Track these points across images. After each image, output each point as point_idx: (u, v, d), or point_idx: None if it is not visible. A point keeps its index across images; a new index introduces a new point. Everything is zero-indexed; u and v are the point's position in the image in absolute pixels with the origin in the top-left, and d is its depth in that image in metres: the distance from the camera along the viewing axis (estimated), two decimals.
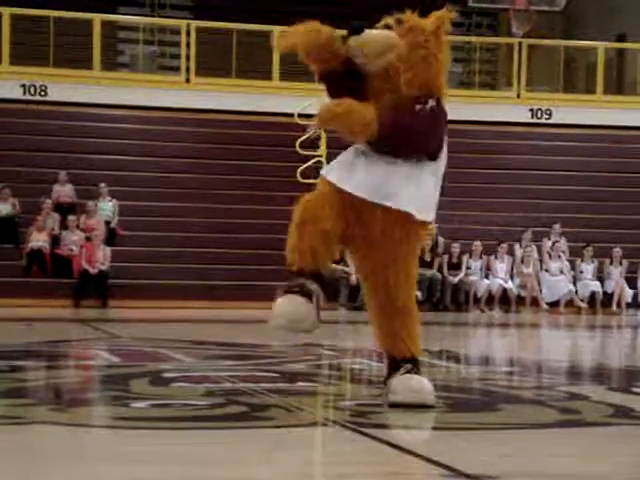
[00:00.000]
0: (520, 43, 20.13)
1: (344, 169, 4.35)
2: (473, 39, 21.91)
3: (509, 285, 16.78)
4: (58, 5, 18.57)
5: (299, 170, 16.88)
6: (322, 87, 4.49)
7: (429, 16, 4.38)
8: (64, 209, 16.52)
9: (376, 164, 4.31)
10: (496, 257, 16.99)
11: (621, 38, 22.15)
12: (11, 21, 18.17)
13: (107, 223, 16.52)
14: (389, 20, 4.33)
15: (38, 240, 15.71)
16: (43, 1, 18.89)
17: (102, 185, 16.72)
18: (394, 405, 4.38)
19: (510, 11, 19.86)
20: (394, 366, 4.45)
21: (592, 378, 6.88)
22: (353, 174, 4.30)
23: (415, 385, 4.37)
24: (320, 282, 4.32)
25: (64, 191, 16.80)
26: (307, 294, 4.25)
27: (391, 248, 4.33)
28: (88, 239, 15.65)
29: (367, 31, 4.22)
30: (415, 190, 4.34)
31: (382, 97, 4.32)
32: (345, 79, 4.34)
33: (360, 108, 4.21)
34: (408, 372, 4.40)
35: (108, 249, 15.75)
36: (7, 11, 18.20)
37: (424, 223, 4.45)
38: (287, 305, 4.24)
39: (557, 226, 17.65)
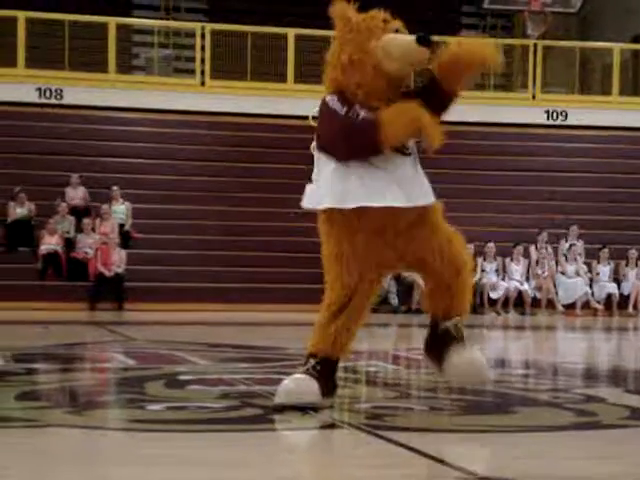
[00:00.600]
0: (535, 45, 20.08)
1: (355, 188, 4.26)
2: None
3: (525, 287, 16.73)
4: (73, 9, 18.63)
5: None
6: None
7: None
8: (79, 212, 16.56)
9: (377, 172, 4.28)
10: (512, 259, 16.95)
11: (637, 39, 22.06)
12: (26, 25, 18.24)
13: (121, 226, 16.55)
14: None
15: (50, 243, 15.75)
16: (58, 5, 18.95)
17: (114, 188, 16.74)
18: (453, 385, 4.38)
19: (525, 13, 19.81)
20: (443, 328, 4.44)
21: (608, 380, 6.85)
22: (369, 188, 4.26)
23: (477, 364, 4.40)
24: (332, 367, 4.43)
25: (76, 194, 16.83)
26: (311, 374, 4.35)
27: (440, 234, 4.38)
28: (104, 242, 15.69)
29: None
30: (419, 178, 4.37)
31: (396, 98, 4.32)
32: None
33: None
34: (459, 341, 4.42)
35: (123, 252, 15.79)
36: (22, 15, 18.26)
37: None
38: (289, 384, 4.37)
39: (574, 228, 17.56)
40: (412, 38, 4.19)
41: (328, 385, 4.40)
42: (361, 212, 4.25)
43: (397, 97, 4.29)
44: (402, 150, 4.28)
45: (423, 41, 4.17)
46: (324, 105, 4.34)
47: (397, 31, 4.28)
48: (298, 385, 4.34)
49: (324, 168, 4.37)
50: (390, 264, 4.47)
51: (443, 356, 4.44)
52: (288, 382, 4.38)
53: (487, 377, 4.43)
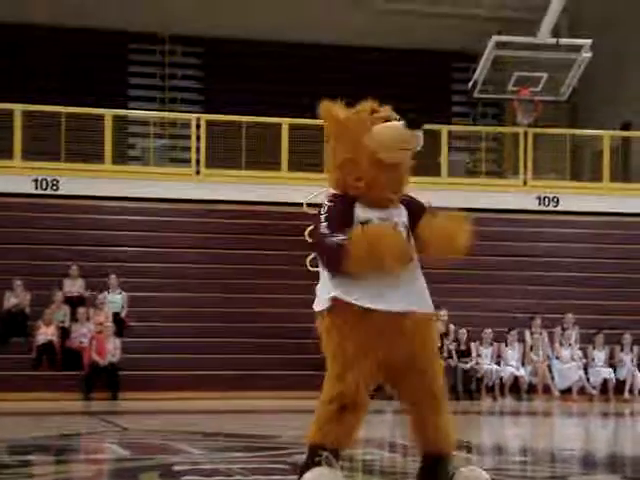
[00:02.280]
0: (526, 132, 20.37)
1: (357, 286, 4.31)
2: (478, 129, 22.19)
3: (521, 372, 16.67)
4: (69, 101, 18.89)
5: (308, 259, 16.94)
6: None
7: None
8: (74, 301, 16.56)
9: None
10: (507, 344, 16.92)
11: (626, 126, 22.40)
12: (23, 117, 18.48)
13: (116, 314, 16.53)
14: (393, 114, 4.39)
15: (46, 334, 15.70)
16: (54, 97, 19.22)
17: (112, 277, 16.78)
18: None
19: (514, 101, 20.14)
20: (441, 461, 4.43)
21: (606, 467, 6.81)
22: (377, 291, 4.30)
23: (484, 478, 4.38)
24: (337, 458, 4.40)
25: (75, 285, 16.85)
26: (331, 465, 4.32)
27: (427, 352, 4.40)
28: (99, 331, 15.64)
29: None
30: (422, 287, 4.43)
31: (399, 186, 4.43)
32: None
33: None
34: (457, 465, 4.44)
35: (118, 341, 15.74)
36: (19, 107, 18.52)
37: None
38: (317, 477, 4.28)
39: (570, 315, 17.52)
40: (400, 123, 4.28)
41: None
42: (363, 311, 4.30)
43: (399, 185, 4.38)
44: None
45: (412, 124, 4.26)
46: (321, 207, 4.40)
47: (387, 119, 4.37)
48: (325, 475, 4.28)
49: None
50: (387, 365, 4.48)
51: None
52: (312, 476, 4.31)
53: None
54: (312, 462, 4.33)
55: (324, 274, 4.45)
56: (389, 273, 4.24)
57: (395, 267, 4.22)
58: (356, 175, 4.32)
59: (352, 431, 4.40)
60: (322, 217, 4.33)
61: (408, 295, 4.31)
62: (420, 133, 4.27)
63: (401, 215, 4.40)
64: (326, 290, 4.42)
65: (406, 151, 4.33)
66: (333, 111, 4.40)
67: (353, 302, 4.30)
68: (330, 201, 4.35)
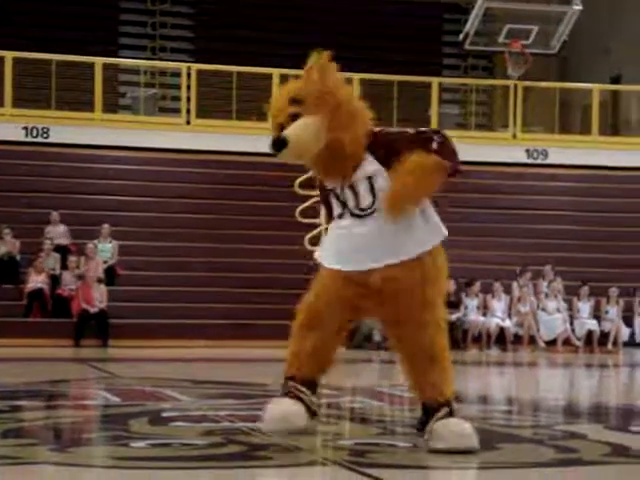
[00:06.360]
0: (515, 85, 20.33)
1: (334, 250, 4.51)
2: (469, 81, 22.12)
3: (507, 324, 16.82)
4: (60, 49, 18.75)
5: (298, 210, 16.97)
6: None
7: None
8: (64, 249, 16.58)
9: (358, 230, 4.43)
10: (493, 296, 17.05)
11: (615, 80, 22.36)
12: (13, 64, 18.35)
13: (106, 263, 16.55)
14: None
15: (37, 281, 15.76)
16: (45, 45, 19.06)
17: (105, 226, 16.79)
18: (438, 451, 4.36)
19: (505, 54, 20.07)
20: (431, 411, 4.46)
21: (589, 417, 6.92)
22: (345, 252, 4.45)
23: (460, 430, 4.38)
24: (312, 388, 4.51)
25: (57, 231, 16.83)
26: (297, 397, 4.43)
27: (402, 305, 4.42)
28: (82, 278, 15.71)
29: (289, 137, 4.49)
30: (397, 239, 4.47)
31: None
32: None
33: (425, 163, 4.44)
34: (447, 416, 4.42)
35: (103, 288, 15.77)
36: (10, 55, 18.38)
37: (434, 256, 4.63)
38: (276, 409, 4.42)
39: (548, 267, 17.68)
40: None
41: (311, 405, 4.47)
42: (332, 271, 4.50)
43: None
44: (357, 213, 4.43)
45: (275, 150, 4.59)
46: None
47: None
48: (283, 409, 4.38)
49: None
50: (366, 312, 4.60)
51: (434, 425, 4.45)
52: (273, 407, 4.43)
53: (474, 443, 4.43)
54: (281, 394, 4.46)
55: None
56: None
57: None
58: None
59: (318, 357, 4.45)
60: None
61: (375, 251, 4.36)
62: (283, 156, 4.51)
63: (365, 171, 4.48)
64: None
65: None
66: None
67: (325, 265, 4.52)
68: None
